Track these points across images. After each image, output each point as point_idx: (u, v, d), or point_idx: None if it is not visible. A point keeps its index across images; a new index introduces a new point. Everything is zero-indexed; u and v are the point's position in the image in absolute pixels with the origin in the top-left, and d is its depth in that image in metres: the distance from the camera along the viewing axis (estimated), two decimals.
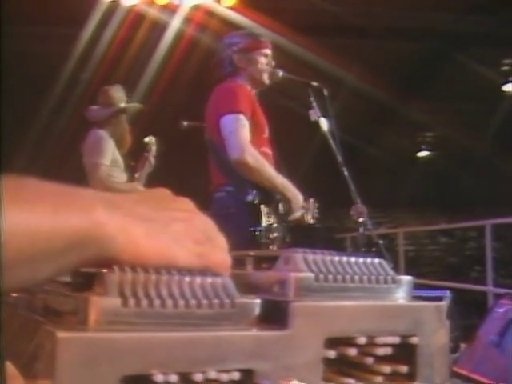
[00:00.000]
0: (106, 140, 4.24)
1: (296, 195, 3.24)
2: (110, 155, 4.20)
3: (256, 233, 3.07)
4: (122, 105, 4.40)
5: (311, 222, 3.53)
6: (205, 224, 0.64)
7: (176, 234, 0.60)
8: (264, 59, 3.45)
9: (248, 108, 3.24)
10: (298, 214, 3.32)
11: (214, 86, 3.43)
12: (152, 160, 4.53)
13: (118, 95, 4.44)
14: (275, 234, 3.13)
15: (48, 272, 0.54)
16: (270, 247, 3.05)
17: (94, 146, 4.21)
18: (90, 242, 0.54)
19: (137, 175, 4.41)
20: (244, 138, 3.14)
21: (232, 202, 3.18)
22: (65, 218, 0.53)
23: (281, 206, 3.20)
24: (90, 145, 4.24)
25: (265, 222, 3.11)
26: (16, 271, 0.51)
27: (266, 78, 3.45)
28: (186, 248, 0.60)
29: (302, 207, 3.47)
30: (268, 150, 3.34)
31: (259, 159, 3.16)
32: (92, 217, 0.54)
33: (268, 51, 3.49)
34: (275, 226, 3.14)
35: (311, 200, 3.57)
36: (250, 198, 3.11)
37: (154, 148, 4.58)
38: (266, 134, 3.37)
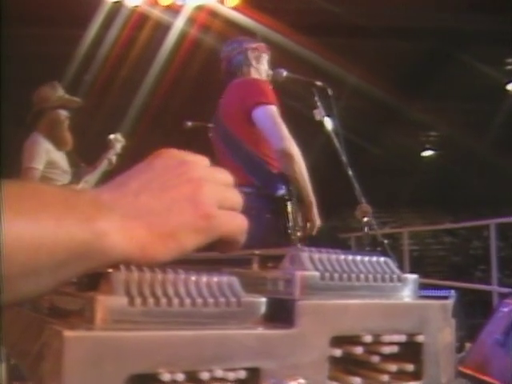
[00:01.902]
0: (38, 143, 4.11)
1: (315, 206, 3.22)
2: (42, 158, 4.07)
3: (287, 230, 3.08)
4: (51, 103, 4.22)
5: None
6: (213, 189, 0.61)
7: (181, 216, 0.58)
8: (266, 64, 3.52)
9: (275, 100, 3.27)
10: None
11: (220, 90, 3.44)
12: (113, 159, 4.40)
13: (47, 94, 4.27)
14: (298, 234, 3.14)
15: (52, 284, 0.54)
16: (298, 245, 3.04)
17: (26, 151, 4.10)
18: (95, 254, 0.53)
19: (86, 178, 4.26)
20: (286, 129, 3.17)
21: (254, 203, 3.17)
22: (67, 230, 0.52)
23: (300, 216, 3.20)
24: (24, 149, 4.12)
25: (291, 220, 3.11)
26: (20, 285, 0.50)
27: (270, 80, 3.49)
28: (192, 229, 0.58)
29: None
30: None
31: (300, 155, 3.19)
32: (94, 228, 0.53)
33: (268, 57, 3.56)
34: (300, 224, 3.15)
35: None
36: (281, 191, 3.12)
37: (118, 146, 4.46)
38: None
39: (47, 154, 4.10)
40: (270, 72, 3.50)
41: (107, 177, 4.26)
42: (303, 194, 3.16)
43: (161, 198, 0.59)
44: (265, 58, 3.50)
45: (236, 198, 0.64)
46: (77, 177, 4.24)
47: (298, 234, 3.15)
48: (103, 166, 4.35)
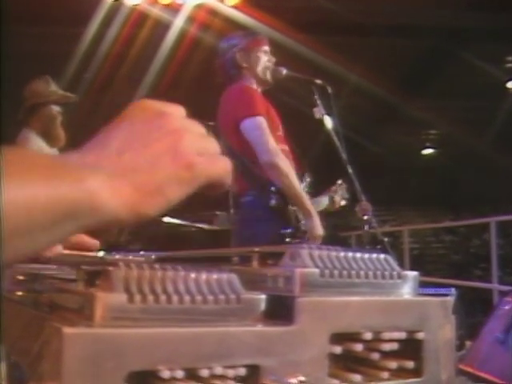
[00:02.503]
0: (30, 140, 4.02)
1: (317, 218, 3.17)
2: None
3: (287, 235, 3.06)
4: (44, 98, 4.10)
5: (342, 204, 3.53)
6: (192, 139, 0.63)
7: (164, 172, 0.59)
8: (264, 56, 3.44)
9: (264, 109, 3.23)
10: (324, 204, 3.32)
11: (220, 89, 3.41)
12: None
13: (39, 89, 4.15)
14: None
15: (46, 242, 0.55)
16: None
17: None
18: (86, 212, 0.54)
19: None
20: (272, 141, 3.13)
21: (258, 206, 3.15)
22: (59, 190, 0.54)
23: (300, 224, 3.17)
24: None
25: (293, 222, 3.10)
26: (14, 243, 0.51)
27: (269, 76, 3.44)
28: (177, 180, 0.59)
29: (330, 191, 3.47)
30: (285, 147, 3.32)
31: (289, 166, 3.15)
32: (84, 187, 0.55)
33: (266, 48, 3.48)
34: (303, 223, 3.13)
35: (338, 182, 3.56)
36: (273, 202, 3.10)
37: None
38: (280, 131, 3.35)
39: (40, 151, 4.03)
40: (270, 65, 3.43)
41: None
42: (297, 205, 3.14)
43: (143, 154, 0.60)
44: (258, 53, 3.43)
45: (214, 144, 0.65)
46: None
47: (302, 233, 3.13)
48: None
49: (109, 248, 1.02)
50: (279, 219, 3.09)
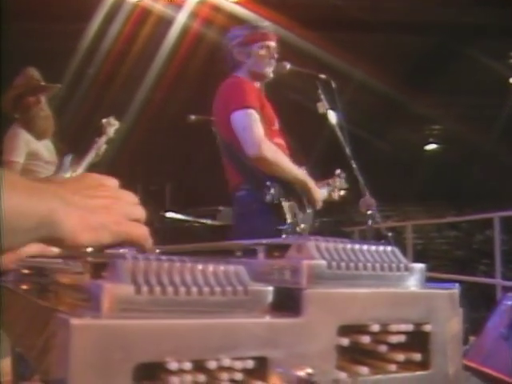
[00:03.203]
0: (16, 135, 3.95)
1: (313, 184, 3.21)
2: (22, 150, 3.92)
3: (283, 231, 3.05)
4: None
5: (341, 193, 3.53)
6: (123, 206, 0.82)
7: (101, 219, 0.77)
8: (265, 51, 3.40)
9: (256, 102, 3.20)
10: (323, 195, 3.31)
11: (221, 82, 3.40)
12: (101, 149, 4.22)
13: (19, 81, 4.07)
14: (302, 226, 3.11)
15: (24, 242, 0.73)
16: None
17: (5, 144, 3.93)
18: (48, 224, 0.71)
19: (76, 169, 4.04)
20: (259, 132, 3.09)
21: (254, 200, 3.14)
22: (33, 204, 0.70)
23: (304, 199, 3.17)
24: (4, 142, 3.95)
25: (289, 218, 3.08)
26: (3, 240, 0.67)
27: (267, 71, 3.41)
28: (110, 230, 0.77)
29: (327, 184, 3.47)
30: (281, 141, 3.30)
31: (277, 152, 3.13)
32: (50, 206, 0.72)
33: (270, 43, 3.43)
34: (301, 217, 3.12)
35: (337, 172, 3.56)
36: (268, 198, 3.08)
37: (111, 130, 4.28)
38: (276, 125, 3.33)
39: (27, 146, 3.95)
40: (276, 55, 3.40)
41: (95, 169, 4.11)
42: (293, 181, 3.14)
43: (88, 202, 0.79)
44: (254, 48, 3.40)
45: (140, 212, 0.84)
46: (62, 167, 4.08)
47: (301, 227, 3.12)
48: (90, 157, 4.15)
49: (113, 244, 1.03)
50: (276, 214, 3.08)
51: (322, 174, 3.41)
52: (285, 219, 3.07)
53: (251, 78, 3.37)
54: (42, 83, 4.14)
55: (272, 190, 3.07)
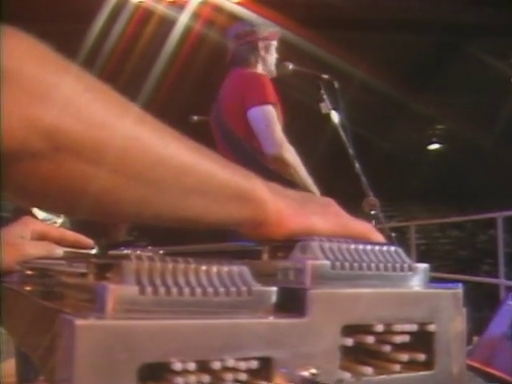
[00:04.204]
0: None
1: None
2: None
3: None
4: None
5: None
6: (341, 212, 0.71)
7: (314, 207, 0.68)
8: (275, 50, 3.45)
9: (274, 99, 3.20)
10: None
11: (228, 72, 3.37)
12: None
13: None
14: None
15: (215, 214, 0.63)
16: None
17: None
18: (249, 201, 0.63)
19: None
20: (280, 132, 3.09)
21: None
22: (233, 175, 0.63)
23: None
24: None
25: None
26: (191, 202, 0.60)
27: (274, 69, 3.43)
28: (326, 218, 0.68)
29: None
30: None
31: (296, 156, 3.12)
32: (254, 182, 0.64)
33: (275, 42, 3.48)
34: None
35: None
36: None
37: None
38: (282, 125, 3.34)
39: None
40: (276, 59, 3.43)
41: None
42: (302, 188, 3.13)
43: (297, 198, 0.69)
44: (273, 46, 3.43)
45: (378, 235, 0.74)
46: None
47: None
48: None
49: (117, 245, 1.04)
50: None
51: (324, 174, 3.41)
52: None
53: (265, 73, 3.38)
54: None
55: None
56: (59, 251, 1.10)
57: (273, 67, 3.39)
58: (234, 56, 3.42)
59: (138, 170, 0.54)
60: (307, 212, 0.67)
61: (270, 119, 3.08)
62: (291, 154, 3.07)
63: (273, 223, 0.64)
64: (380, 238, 0.72)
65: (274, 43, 3.41)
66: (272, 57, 3.39)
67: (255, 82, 3.25)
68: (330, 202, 0.72)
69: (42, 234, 1.18)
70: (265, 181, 0.67)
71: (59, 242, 1.16)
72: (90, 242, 1.16)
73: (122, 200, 0.57)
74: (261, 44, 3.36)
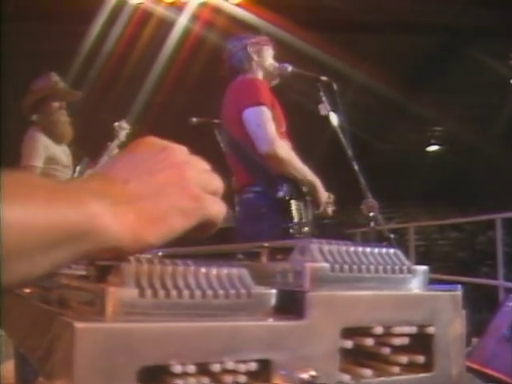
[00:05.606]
0: (35, 139, 3.99)
1: (321, 187, 3.23)
2: (41, 155, 3.95)
3: (289, 229, 3.05)
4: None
5: (330, 214, 3.55)
6: (196, 173, 0.63)
7: (169, 199, 0.59)
8: (271, 55, 3.48)
9: (269, 101, 3.22)
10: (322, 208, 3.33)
11: (224, 87, 3.41)
12: (115, 149, 4.28)
13: (42, 85, 4.14)
14: (306, 229, 3.11)
15: (45, 265, 0.53)
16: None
17: (24, 148, 3.99)
18: (87, 235, 0.53)
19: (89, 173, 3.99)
20: (272, 130, 3.11)
21: (262, 203, 3.14)
22: (59, 212, 0.52)
23: (308, 201, 3.17)
24: (23, 146, 4.00)
25: (296, 217, 3.08)
26: (14, 266, 0.50)
27: (275, 73, 3.45)
28: (181, 211, 0.59)
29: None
30: (288, 143, 3.32)
31: (289, 151, 3.14)
32: (86, 210, 0.54)
33: (272, 51, 3.52)
34: (305, 220, 3.12)
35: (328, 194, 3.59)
36: (281, 193, 3.07)
37: (123, 133, 4.36)
38: (284, 127, 3.35)
39: (46, 150, 4.00)
40: (276, 65, 3.45)
41: None
42: (302, 181, 3.14)
43: (148, 182, 0.60)
44: (267, 51, 3.46)
45: (218, 182, 0.65)
46: (80, 172, 4.14)
47: (304, 230, 3.13)
48: (103, 161, 4.20)
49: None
50: (283, 215, 3.08)
51: (323, 176, 3.41)
52: (292, 218, 3.08)
53: (264, 77, 3.40)
54: (63, 88, 4.19)
55: (284, 187, 3.07)
56: None
57: (274, 72, 3.41)
58: (230, 66, 3.46)
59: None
60: (162, 211, 0.59)
61: (262, 119, 3.10)
62: (283, 150, 3.08)
63: (125, 243, 0.56)
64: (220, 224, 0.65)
65: (267, 48, 3.44)
66: (267, 61, 3.41)
67: (249, 85, 3.28)
68: (182, 167, 0.63)
69: None
70: (109, 190, 0.58)
71: None
72: None
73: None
74: (251, 48, 3.39)
